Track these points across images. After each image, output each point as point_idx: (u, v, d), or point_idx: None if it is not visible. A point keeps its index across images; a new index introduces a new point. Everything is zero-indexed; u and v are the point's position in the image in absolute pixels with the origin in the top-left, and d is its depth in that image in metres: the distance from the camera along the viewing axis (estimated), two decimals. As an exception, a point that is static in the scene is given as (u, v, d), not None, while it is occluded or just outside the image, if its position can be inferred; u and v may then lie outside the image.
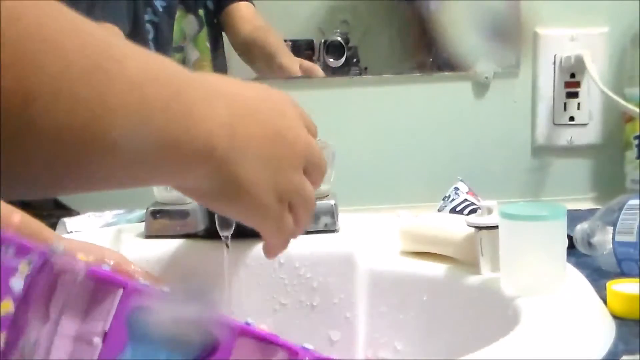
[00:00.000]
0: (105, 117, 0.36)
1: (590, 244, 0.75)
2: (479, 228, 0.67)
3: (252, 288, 0.80)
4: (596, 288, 0.65)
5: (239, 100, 0.48)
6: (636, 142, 1.06)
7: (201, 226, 0.82)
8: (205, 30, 1.13)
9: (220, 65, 1.14)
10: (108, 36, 0.37)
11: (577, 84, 1.09)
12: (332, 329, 0.80)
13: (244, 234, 0.75)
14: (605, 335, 0.58)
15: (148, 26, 1.08)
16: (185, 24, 1.12)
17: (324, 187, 0.82)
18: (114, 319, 0.40)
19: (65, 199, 1.01)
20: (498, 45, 1.07)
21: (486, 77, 1.10)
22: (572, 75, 1.09)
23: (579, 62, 1.07)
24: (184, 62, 1.12)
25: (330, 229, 0.83)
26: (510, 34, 1.08)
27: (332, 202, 0.84)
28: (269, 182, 0.49)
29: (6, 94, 0.32)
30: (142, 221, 0.86)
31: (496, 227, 0.64)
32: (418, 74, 1.11)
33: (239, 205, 0.50)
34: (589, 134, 1.11)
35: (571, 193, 1.11)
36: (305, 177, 0.53)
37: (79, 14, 0.36)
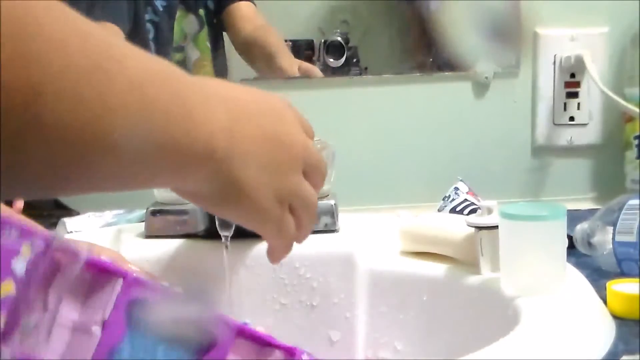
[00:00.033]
0: (106, 117, 0.36)
1: (590, 244, 0.75)
2: (479, 228, 0.67)
3: (252, 288, 0.80)
4: (596, 288, 0.65)
5: (238, 105, 0.48)
6: (636, 142, 1.06)
7: (201, 226, 0.83)
8: (205, 30, 1.13)
9: (220, 65, 1.14)
10: (108, 36, 0.37)
11: (577, 84, 1.09)
12: (332, 329, 0.80)
13: (244, 234, 0.75)
14: (605, 335, 0.58)
15: (148, 26, 1.08)
16: (186, 23, 1.12)
17: (324, 187, 0.82)
18: (114, 308, 0.40)
19: (65, 199, 1.01)
20: (498, 45, 1.07)
21: (486, 77, 1.10)
22: (572, 75, 1.09)
23: (579, 62, 1.07)
24: (184, 61, 1.12)
25: (330, 229, 0.83)
26: (510, 34, 1.08)
27: (332, 202, 0.84)
28: (268, 185, 0.49)
29: (11, 89, 0.32)
30: (142, 221, 0.86)
31: (496, 227, 0.64)
32: (418, 74, 1.11)
33: (238, 208, 0.50)
34: (589, 134, 1.11)
35: (571, 193, 1.11)
36: (305, 180, 0.53)
37: (79, 13, 0.36)
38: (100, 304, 0.40)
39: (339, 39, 1.10)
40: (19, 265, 0.36)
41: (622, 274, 0.70)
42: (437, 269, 0.74)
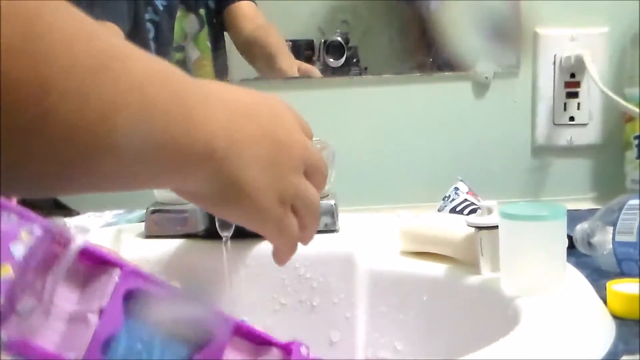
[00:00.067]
0: (110, 116, 0.36)
1: (590, 244, 0.75)
2: (479, 228, 0.67)
3: (252, 288, 0.80)
4: (596, 288, 0.65)
5: (237, 106, 0.48)
6: (636, 142, 1.06)
7: (201, 226, 0.83)
8: (206, 30, 1.13)
9: (221, 65, 1.14)
10: (112, 37, 0.38)
11: (577, 84, 1.09)
12: (332, 329, 0.80)
13: (244, 234, 0.75)
14: (605, 335, 0.58)
15: (148, 25, 1.08)
16: (186, 23, 1.12)
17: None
18: (111, 297, 0.40)
19: (65, 198, 1.01)
20: (498, 45, 1.07)
21: (486, 77, 1.10)
22: (572, 75, 1.09)
23: (579, 62, 1.07)
24: (184, 61, 1.12)
25: (330, 229, 0.83)
26: (510, 34, 1.08)
27: (332, 202, 0.84)
28: (268, 185, 0.50)
29: (20, 85, 0.32)
30: (142, 221, 0.86)
31: (496, 227, 0.64)
32: (418, 74, 1.11)
33: (238, 208, 0.50)
34: (589, 134, 1.11)
35: (571, 193, 1.11)
36: (306, 180, 0.53)
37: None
38: (98, 293, 0.40)
39: (339, 39, 1.10)
40: (18, 250, 0.36)
41: (622, 274, 0.70)
42: (437, 269, 0.74)
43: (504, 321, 0.60)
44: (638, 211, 0.70)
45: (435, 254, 0.76)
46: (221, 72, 1.14)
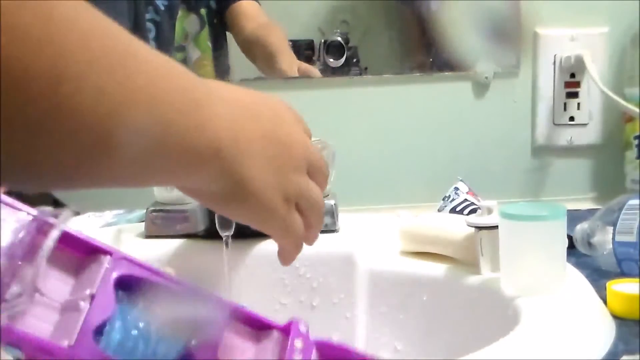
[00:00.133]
0: (121, 112, 0.37)
1: (590, 244, 0.75)
2: (479, 228, 0.67)
3: (252, 288, 0.80)
4: (596, 288, 0.65)
5: (239, 106, 0.48)
6: (636, 142, 1.06)
7: (201, 226, 0.83)
8: (206, 30, 1.13)
9: (222, 65, 1.14)
10: (125, 34, 0.39)
11: (577, 84, 1.09)
12: (332, 329, 0.80)
13: (244, 234, 0.75)
14: (605, 335, 0.58)
15: (149, 25, 1.08)
16: (187, 23, 1.12)
17: (323, 187, 0.82)
18: (102, 284, 0.40)
19: (65, 198, 1.01)
20: (498, 45, 1.07)
21: (486, 77, 1.10)
22: (572, 75, 1.09)
23: (579, 62, 1.07)
24: (185, 61, 1.12)
25: (330, 229, 0.83)
26: (510, 34, 1.08)
27: (332, 202, 0.84)
28: (273, 184, 0.50)
29: (38, 73, 0.33)
30: (142, 221, 0.86)
31: (496, 227, 0.64)
32: (418, 74, 1.11)
33: (244, 207, 0.50)
34: (589, 134, 1.11)
35: (571, 193, 1.11)
36: (309, 180, 0.53)
37: None
38: (88, 281, 0.40)
39: (339, 39, 1.10)
40: (4, 237, 0.37)
41: (622, 274, 0.70)
42: (437, 269, 0.74)
43: (504, 321, 0.60)
44: (638, 211, 0.70)
45: (435, 254, 0.76)
46: (222, 72, 1.14)
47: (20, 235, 0.37)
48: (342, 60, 1.10)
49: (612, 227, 0.72)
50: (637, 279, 0.64)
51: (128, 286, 0.42)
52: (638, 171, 1.06)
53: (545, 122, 1.11)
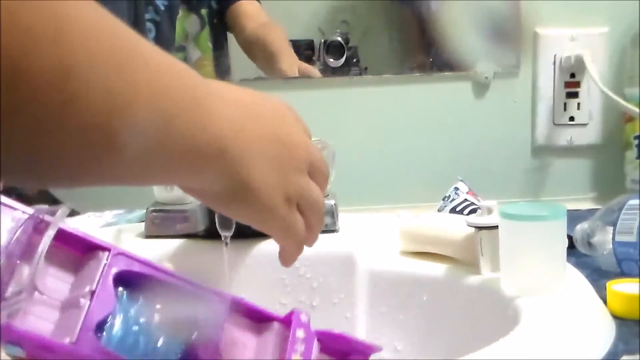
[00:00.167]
0: (127, 110, 0.37)
1: (590, 244, 0.75)
2: (479, 228, 0.67)
3: (252, 288, 0.80)
4: (596, 288, 0.65)
5: (239, 106, 0.48)
6: (636, 142, 1.06)
7: (201, 226, 0.82)
8: (207, 30, 1.13)
9: (222, 65, 1.14)
10: (132, 33, 0.39)
11: (577, 84, 1.09)
12: (332, 329, 0.79)
13: (244, 234, 0.75)
14: (605, 335, 0.58)
15: (149, 25, 1.08)
16: (188, 23, 1.12)
17: (323, 187, 0.82)
18: (102, 280, 0.40)
19: (64, 198, 1.01)
20: (498, 45, 1.07)
21: (486, 77, 1.10)
22: (572, 75, 1.09)
23: (579, 62, 1.07)
24: (185, 61, 1.11)
25: (330, 229, 0.83)
26: (510, 34, 1.08)
27: (332, 202, 0.84)
28: (275, 185, 0.50)
29: (47, 70, 0.33)
30: (142, 221, 0.86)
31: (496, 227, 0.64)
32: (418, 74, 1.11)
33: (246, 207, 0.50)
34: (589, 134, 1.11)
35: (571, 193, 1.11)
36: (310, 180, 0.53)
37: None
38: (88, 278, 0.40)
39: (339, 39, 1.10)
40: (2, 236, 0.37)
41: (622, 274, 0.70)
42: (437, 269, 0.74)
43: (504, 321, 0.60)
44: (638, 211, 0.70)
45: (435, 254, 0.76)
46: (222, 72, 1.14)
47: (17, 234, 0.37)
48: (342, 60, 1.10)
49: (612, 227, 0.72)
50: (637, 279, 0.64)
51: (128, 282, 0.42)
52: (638, 171, 1.06)
53: (545, 122, 1.11)
